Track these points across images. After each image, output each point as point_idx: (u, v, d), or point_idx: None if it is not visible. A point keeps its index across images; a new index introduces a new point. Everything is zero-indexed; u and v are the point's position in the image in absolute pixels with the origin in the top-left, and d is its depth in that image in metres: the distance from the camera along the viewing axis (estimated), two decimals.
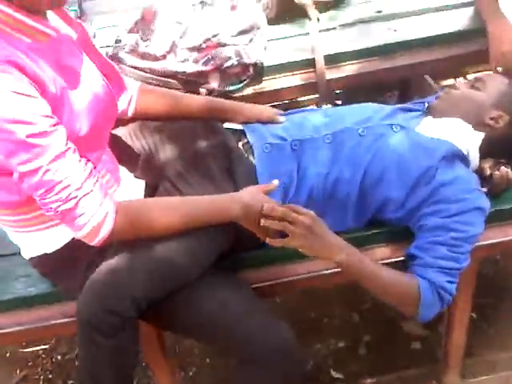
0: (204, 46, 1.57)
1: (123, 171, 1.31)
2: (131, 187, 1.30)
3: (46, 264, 1.21)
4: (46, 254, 1.18)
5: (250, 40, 1.59)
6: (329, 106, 1.94)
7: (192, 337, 1.29)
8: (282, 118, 1.36)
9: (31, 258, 1.21)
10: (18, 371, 1.83)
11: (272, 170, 1.24)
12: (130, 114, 1.35)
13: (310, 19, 1.77)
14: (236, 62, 1.53)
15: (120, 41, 1.65)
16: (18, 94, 0.93)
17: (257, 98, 1.59)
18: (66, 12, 1.15)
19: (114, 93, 1.21)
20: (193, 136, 1.33)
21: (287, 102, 2.06)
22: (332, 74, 1.62)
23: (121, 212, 1.05)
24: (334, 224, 1.23)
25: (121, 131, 1.36)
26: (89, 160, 1.06)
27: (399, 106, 1.38)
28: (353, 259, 1.14)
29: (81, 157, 1.03)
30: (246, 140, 1.30)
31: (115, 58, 1.59)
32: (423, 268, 1.16)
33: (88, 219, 1.00)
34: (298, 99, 2.22)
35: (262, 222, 1.09)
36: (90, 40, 1.19)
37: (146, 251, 1.10)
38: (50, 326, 1.27)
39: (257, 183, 1.23)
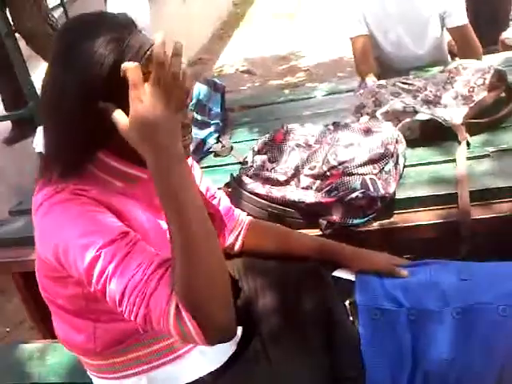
0: (329, 174, 1.44)
1: None
2: None
3: None
4: None
5: (381, 169, 1.42)
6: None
7: None
8: (403, 272, 1.14)
9: None
10: None
11: (379, 343, 1.02)
12: (236, 248, 1.29)
13: (459, 143, 1.55)
14: (361, 195, 1.36)
15: (246, 162, 1.61)
16: (89, 211, 0.88)
17: (384, 235, 1.39)
18: None
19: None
20: (297, 286, 1.17)
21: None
22: (479, 213, 1.34)
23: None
24: None
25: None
26: None
27: None
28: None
29: None
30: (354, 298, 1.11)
31: (237, 180, 1.54)
32: None
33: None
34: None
35: None
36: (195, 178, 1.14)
37: None
38: None
39: (360, 356, 1.03)
